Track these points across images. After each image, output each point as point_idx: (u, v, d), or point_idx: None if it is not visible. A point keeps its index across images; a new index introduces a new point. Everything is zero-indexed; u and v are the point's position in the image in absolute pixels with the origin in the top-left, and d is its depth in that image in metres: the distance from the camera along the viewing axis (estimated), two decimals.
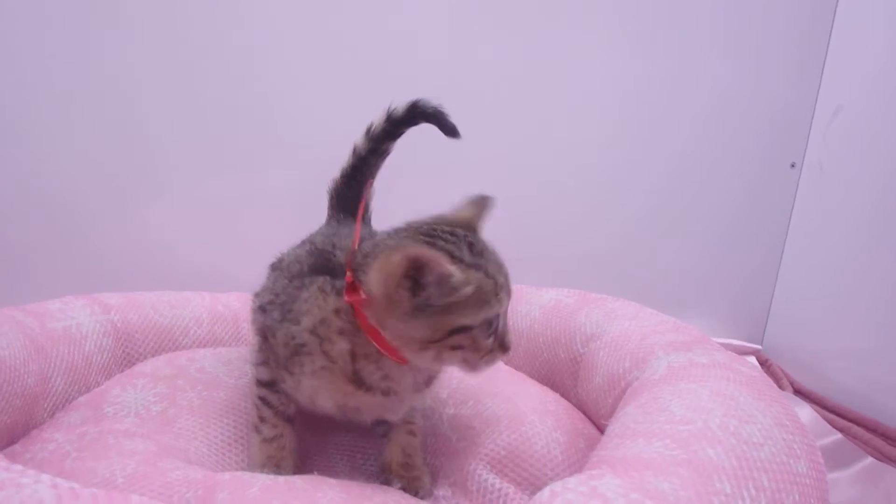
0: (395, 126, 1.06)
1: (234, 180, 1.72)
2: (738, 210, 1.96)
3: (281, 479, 0.76)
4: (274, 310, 0.85)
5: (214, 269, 1.62)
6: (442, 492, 0.87)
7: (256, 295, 0.97)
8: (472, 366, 0.78)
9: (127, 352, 1.18)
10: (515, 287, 1.40)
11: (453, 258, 0.72)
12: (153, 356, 1.19)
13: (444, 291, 0.71)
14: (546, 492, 0.57)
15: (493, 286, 0.74)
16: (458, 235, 0.77)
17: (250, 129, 1.71)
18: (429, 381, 0.88)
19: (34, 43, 1.57)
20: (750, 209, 1.96)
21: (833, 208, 1.76)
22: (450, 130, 1.04)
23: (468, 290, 0.72)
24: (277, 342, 0.84)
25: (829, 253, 1.75)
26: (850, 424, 1.42)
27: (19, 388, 0.89)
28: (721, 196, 1.95)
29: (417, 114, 1.04)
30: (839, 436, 1.37)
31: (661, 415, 0.72)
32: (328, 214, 1.13)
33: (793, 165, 1.92)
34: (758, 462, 0.62)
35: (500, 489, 0.83)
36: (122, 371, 1.14)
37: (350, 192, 1.10)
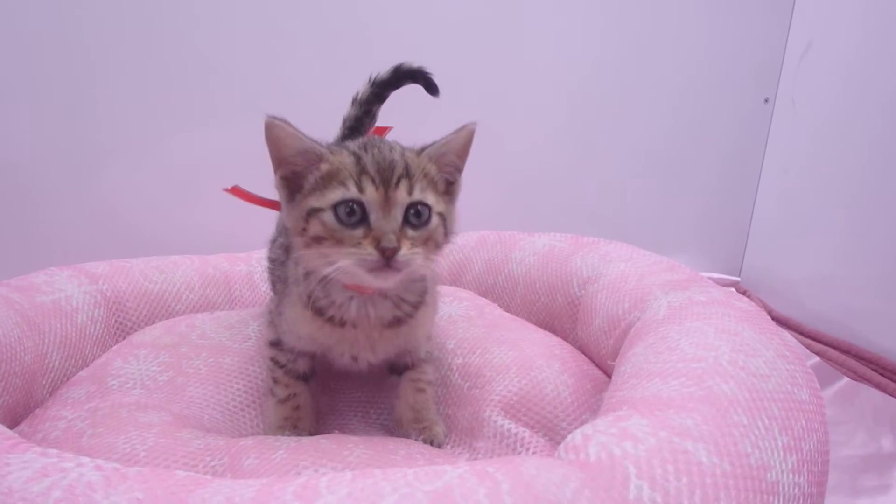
0: (381, 88, 1.10)
1: (213, 138, 1.65)
2: (713, 146, 1.99)
3: (305, 440, 0.77)
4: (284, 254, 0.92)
5: (199, 230, 1.58)
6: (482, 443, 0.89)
7: (272, 241, 1.02)
8: (351, 256, 0.70)
9: (120, 321, 1.15)
10: (507, 233, 1.44)
11: (322, 146, 0.75)
12: (147, 324, 1.17)
13: (308, 166, 0.75)
14: (577, 435, 0.58)
15: (354, 168, 0.72)
16: (378, 140, 0.79)
17: (232, 82, 1.64)
18: (398, 320, 0.85)
19: None
20: (725, 144, 1.99)
21: (805, 141, 1.80)
22: (433, 89, 1.08)
23: (324, 166, 0.74)
24: (280, 282, 0.90)
25: (802, 186, 1.80)
26: (825, 348, 1.49)
27: (17, 367, 0.87)
28: (697, 133, 1.97)
29: (402, 75, 1.08)
30: (816, 359, 1.45)
31: (672, 354, 0.74)
32: None
33: (766, 100, 1.95)
34: (767, 393, 0.65)
35: (516, 433, 0.86)
36: (117, 342, 1.12)
37: None
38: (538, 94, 1.85)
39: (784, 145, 1.90)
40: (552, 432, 0.89)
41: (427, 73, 1.07)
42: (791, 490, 0.54)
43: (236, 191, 0.99)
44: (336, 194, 0.71)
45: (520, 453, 0.85)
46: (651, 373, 0.71)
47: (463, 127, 0.78)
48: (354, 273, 0.72)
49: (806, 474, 0.57)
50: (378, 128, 1.07)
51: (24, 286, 1.03)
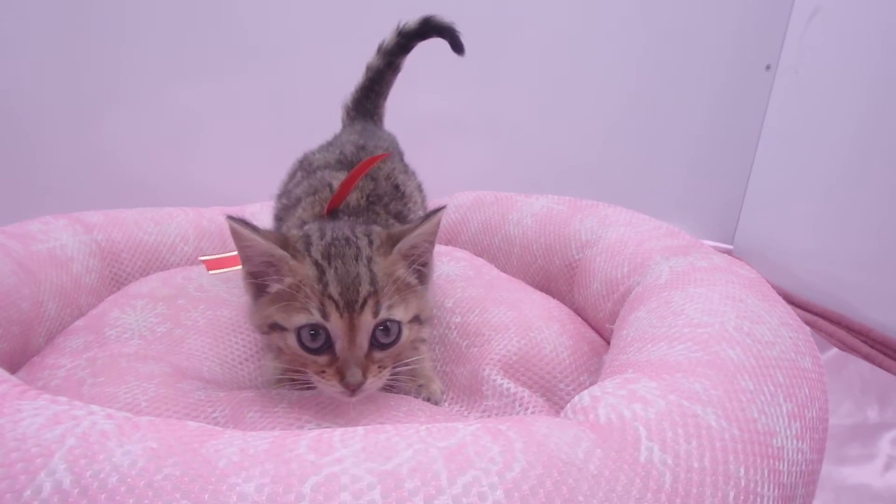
0: (407, 39, 1.10)
1: (211, 88, 1.61)
2: (711, 112, 1.97)
3: (306, 394, 0.77)
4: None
5: (194, 182, 1.56)
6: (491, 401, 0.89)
7: (278, 198, 1.00)
8: (317, 383, 0.71)
9: (114, 272, 1.14)
10: (503, 195, 1.43)
11: (287, 247, 0.70)
12: (141, 276, 1.16)
13: (271, 272, 0.71)
14: (585, 396, 0.59)
15: (317, 286, 0.68)
16: (342, 238, 0.72)
17: (232, 33, 1.59)
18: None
19: None
20: (723, 111, 1.97)
21: (806, 111, 1.78)
22: (459, 47, 1.10)
23: (287, 280, 0.69)
24: None
25: (800, 156, 1.79)
26: (816, 318, 1.51)
27: (15, 315, 0.86)
28: (694, 98, 1.95)
29: (431, 28, 1.09)
30: (807, 329, 1.47)
31: (677, 318, 0.74)
32: (344, 125, 1.17)
33: (768, 67, 1.92)
34: (772, 360, 0.66)
35: (514, 393, 0.86)
36: (112, 293, 1.11)
37: (368, 105, 1.15)
38: (536, 65, 1.81)
39: (784, 114, 1.89)
40: (550, 393, 0.89)
41: (456, 30, 1.09)
42: (795, 456, 0.55)
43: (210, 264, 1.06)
44: (300, 318, 0.67)
45: (518, 412, 0.86)
46: (656, 336, 0.72)
47: (433, 214, 0.74)
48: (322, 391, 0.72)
49: (808, 441, 0.58)
50: (369, 159, 0.93)
51: (19, 234, 1.01)
